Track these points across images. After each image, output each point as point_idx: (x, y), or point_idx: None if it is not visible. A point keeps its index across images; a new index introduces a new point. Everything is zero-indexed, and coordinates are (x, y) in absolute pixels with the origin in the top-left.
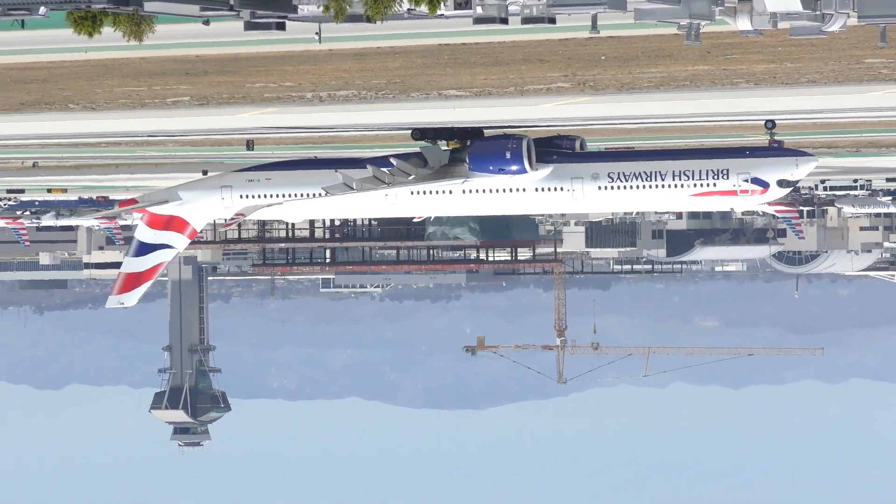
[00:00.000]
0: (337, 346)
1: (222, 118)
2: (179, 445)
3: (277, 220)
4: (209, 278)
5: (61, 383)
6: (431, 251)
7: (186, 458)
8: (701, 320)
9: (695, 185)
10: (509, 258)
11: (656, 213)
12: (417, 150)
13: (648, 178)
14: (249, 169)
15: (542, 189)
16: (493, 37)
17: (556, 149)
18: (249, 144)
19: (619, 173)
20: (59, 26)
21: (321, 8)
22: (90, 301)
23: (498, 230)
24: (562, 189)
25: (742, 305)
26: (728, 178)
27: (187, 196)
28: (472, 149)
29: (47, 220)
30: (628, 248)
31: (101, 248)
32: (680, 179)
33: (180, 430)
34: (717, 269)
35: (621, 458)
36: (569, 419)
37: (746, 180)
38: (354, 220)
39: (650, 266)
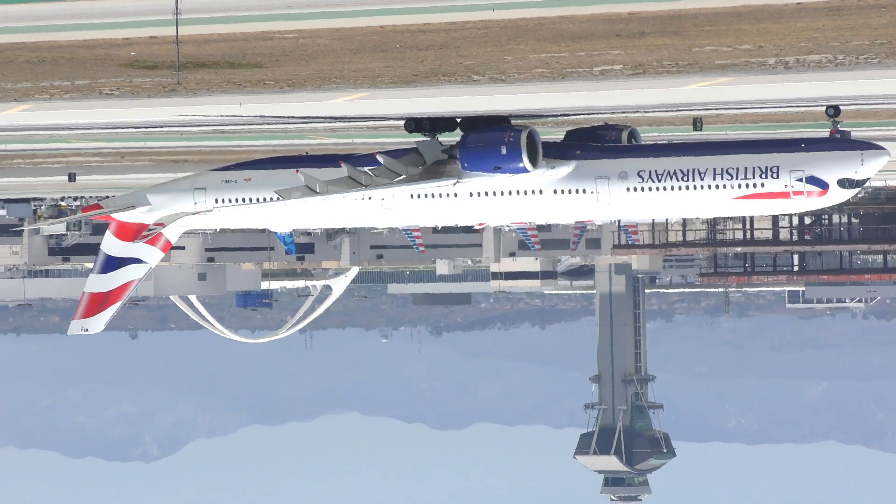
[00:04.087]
0: (809, 376)
1: (661, 91)
2: (612, 500)
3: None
4: (647, 291)
5: (465, 421)
6: None
7: None
8: None
9: (739, 186)
10: None
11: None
12: (414, 145)
13: (685, 178)
14: (227, 168)
15: (562, 191)
16: None
17: (592, 142)
18: (697, 123)
19: (650, 171)
20: None
21: None
22: (499, 320)
23: None
24: (584, 191)
25: None
26: (778, 177)
27: (157, 200)
28: (463, 143)
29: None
30: None
31: (511, 255)
32: (722, 179)
33: (613, 480)
34: None
35: None
36: None
37: (801, 179)
38: (829, 217)
39: None
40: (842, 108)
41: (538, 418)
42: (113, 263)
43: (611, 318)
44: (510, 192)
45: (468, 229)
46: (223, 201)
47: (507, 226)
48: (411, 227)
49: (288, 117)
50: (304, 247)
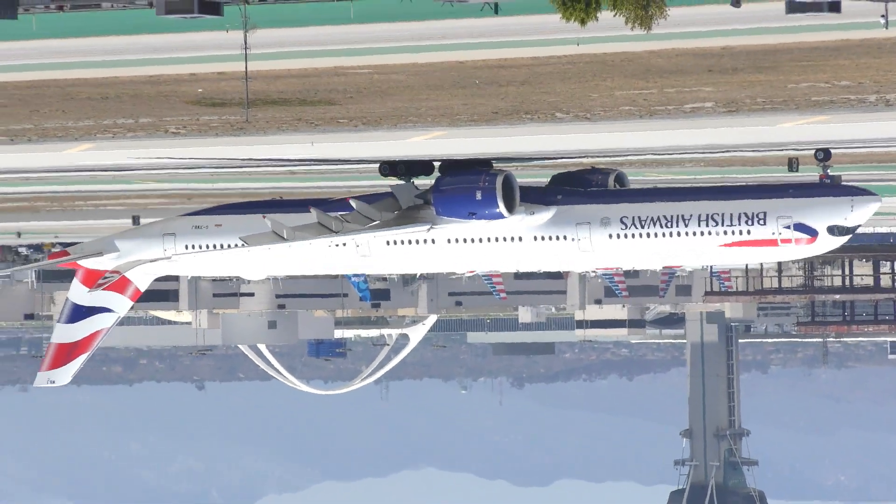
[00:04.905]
0: None
1: (755, 129)
2: None
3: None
4: (740, 341)
5: (548, 478)
6: None
7: None
8: None
9: (725, 233)
10: None
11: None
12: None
13: (669, 224)
14: (198, 213)
15: (542, 237)
16: None
17: (578, 186)
18: (793, 164)
19: (633, 217)
20: (542, 11)
21: None
22: (584, 371)
23: None
24: (565, 237)
25: None
26: (765, 224)
27: (126, 247)
28: (437, 187)
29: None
30: None
31: (597, 302)
32: (707, 225)
33: None
34: None
35: None
36: None
37: (788, 227)
38: None
39: None
40: None
41: (626, 474)
42: (80, 313)
43: (702, 370)
44: (489, 239)
45: (552, 275)
46: (194, 247)
47: (592, 271)
48: (491, 273)
49: (351, 160)
50: (379, 293)
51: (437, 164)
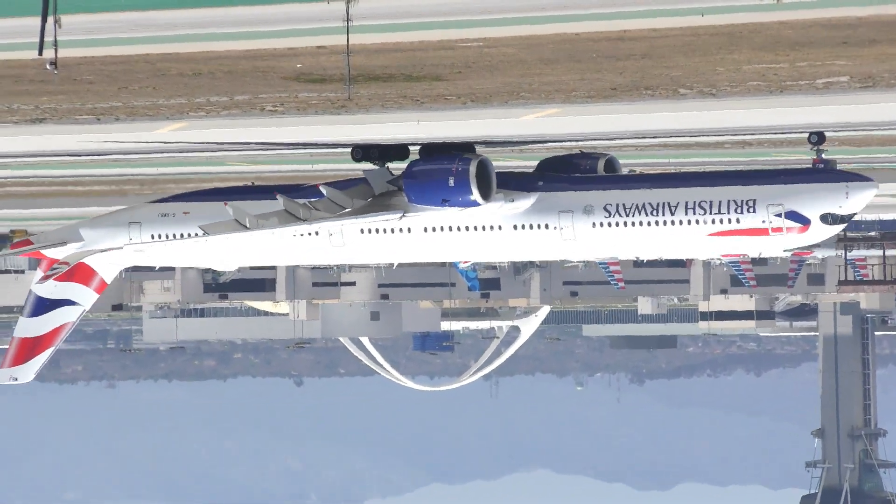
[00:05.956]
0: None
1: (894, 106)
2: None
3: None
4: (877, 333)
5: (670, 481)
6: None
7: None
8: None
9: (713, 222)
10: None
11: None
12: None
13: (655, 212)
14: (165, 200)
15: (522, 226)
16: None
17: (566, 171)
18: None
19: (618, 205)
20: None
21: None
22: (709, 366)
23: None
24: (546, 226)
25: None
26: (755, 212)
27: (91, 236)
28: (408, 173)
29: None
30: None
31: (723, 292)
32: (695, 213)
33: None
34: None
35: None
36: None
37: (779, 214)
38: None
39: None
40: None
41: (753, 477)
42: (44, 305)
43: (836, 365)
44: (466, 228)
45: (673, 263)
46: (160, 236)
47: (718, 259)
48: (609, 261)
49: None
50: (488, 283)
51: (415, 148)
